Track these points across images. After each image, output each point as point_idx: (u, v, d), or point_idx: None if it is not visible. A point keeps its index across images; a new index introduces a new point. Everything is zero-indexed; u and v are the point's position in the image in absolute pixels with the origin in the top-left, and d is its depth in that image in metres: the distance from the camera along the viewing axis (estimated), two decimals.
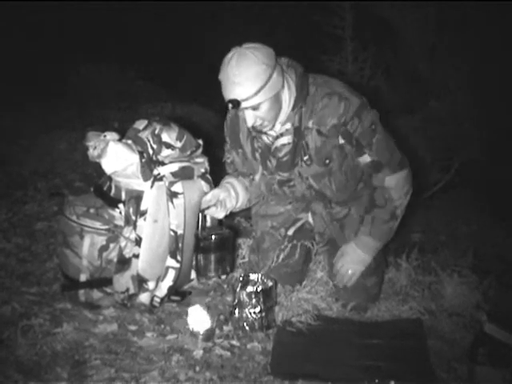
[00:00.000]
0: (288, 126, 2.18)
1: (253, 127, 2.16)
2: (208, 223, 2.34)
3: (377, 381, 1.86)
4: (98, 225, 2.15)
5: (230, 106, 2.05)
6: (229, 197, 2.30)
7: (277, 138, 2.22)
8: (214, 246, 2.23)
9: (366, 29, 4.02)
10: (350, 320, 2.30)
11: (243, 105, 2.03)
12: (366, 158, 2.18)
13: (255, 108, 2.05)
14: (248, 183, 2.39)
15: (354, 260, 2.32)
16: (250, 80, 1.98)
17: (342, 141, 2.15)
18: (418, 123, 4.01)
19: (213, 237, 2.25)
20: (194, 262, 2.33)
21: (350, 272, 2.33)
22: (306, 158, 2.21)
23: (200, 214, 2.26)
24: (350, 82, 3.93)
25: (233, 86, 2.00)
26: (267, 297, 2.15)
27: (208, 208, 2.26)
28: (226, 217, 2.36)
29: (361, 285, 2.34)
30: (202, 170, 2.34)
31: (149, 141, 2.17)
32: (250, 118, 2.09)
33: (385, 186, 2.22)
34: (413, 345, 2.11)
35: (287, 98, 2.14)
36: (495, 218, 3.75)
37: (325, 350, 2.06)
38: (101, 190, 2.26)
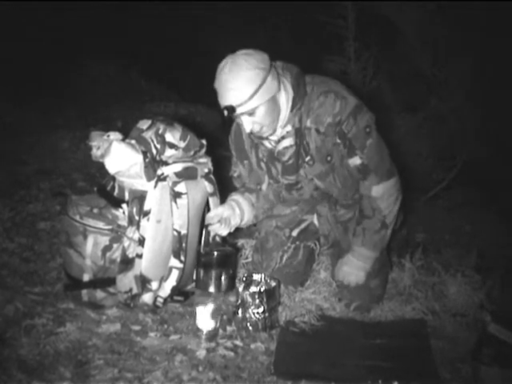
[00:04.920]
0: (289, 128, 2.19)
1: (253, 133, 2.16)
2: (212, 239, 2.35)
3: (380, 381, 1.86)
4: (101, 225, 2.15)
5: (226, 112, 2.06)
6: (233, 214, 2.32)
7: (279, 141, 2.22)
8: (216, 262, 2.25)
9: (369, 28, 4.01)
10: (354, 320, 2.30)
11: (238, 110, 2.04)
12: (355, 160, 2.17)
13: (251, 113, 2.06)
14: (254, 199, 2.40)
15: (352, 269, 2.32)
16: (243, 85, 2.00)
17: (338, 140, 2.15)
18: (420, 122, 4.00)
19: (215, 253, 2.26)
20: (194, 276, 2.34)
21: (353, 281, 2.32)
22: (307, 158, 2.21)
23: (204, 230, 2.27)
24: (353, 81, 3.96)
25: (227, 93, 2.03)
26: (270, 297, 2.14)
27: (211, 224, 2.27)
28: (230, 234, 2.37)
29: (364, 285, 2.33)
30: (206, 170, 2.34)
31: (152, 141, 2.17)
32: (248, 124, 2.10)
33: (371, 196, 2.21)
34: (416, 345, 2.11)
35: (285, 101, 2.15)
36: (499, 217, 3.73)
37: (328, 351, 2.06)
38: (104, 189, 2.26)
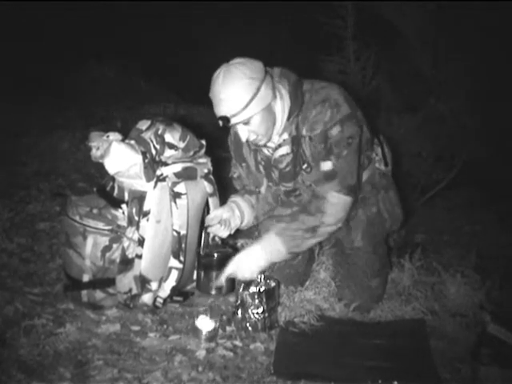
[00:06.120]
0: (285, 136, 2.19)
1: (249, 141, 2.16)
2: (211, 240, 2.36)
3: (380, 381, 1.86)
4: (101, 225, 2.15)
5: (221, 122, 2.06)
6: (233, 216, 2.31)
7: (276, 149, 2.22)
8: (216, 263, 2.25)
9: (368, 28, 4.01)
10: (353, 320, 2.30)
11: (233, 121, 2.05)
12: (327, 165, 2.11)
13: (246, 123, 2.06)
14: (254, 200, 2.39)
15: (251, 262, 2.14)
16: (236, 95, 2.00)
17: (321, 145, 2.13)
18: (420, 122, 4.00)
19: (215, 254, 2.26)
20: (195, 278, 2.35)
21: (243, 275, 2.14)
22: (305, 166, 2.20)
23: (203, 232, 2.27)
24: (352, 81, 3.96)
25: (220, 103, 2.03)
26: (270, 297, 2.14)
27: (211, 226, 2.27)
28: (231, 235, 2.37)
29: (365, 285, 2.33)
30: (205, 171, 2.34)
31: (152, 141, 2.17)
32: (243, 133, 2.11)
33: (326, 198, 2.12)
34: (416, 345, 2.11)
35: (280, 109, 2.14)
36: (499, 218, 3.74)
37: (327, 351, 2.06)
38: (104, 190, 2.26)
